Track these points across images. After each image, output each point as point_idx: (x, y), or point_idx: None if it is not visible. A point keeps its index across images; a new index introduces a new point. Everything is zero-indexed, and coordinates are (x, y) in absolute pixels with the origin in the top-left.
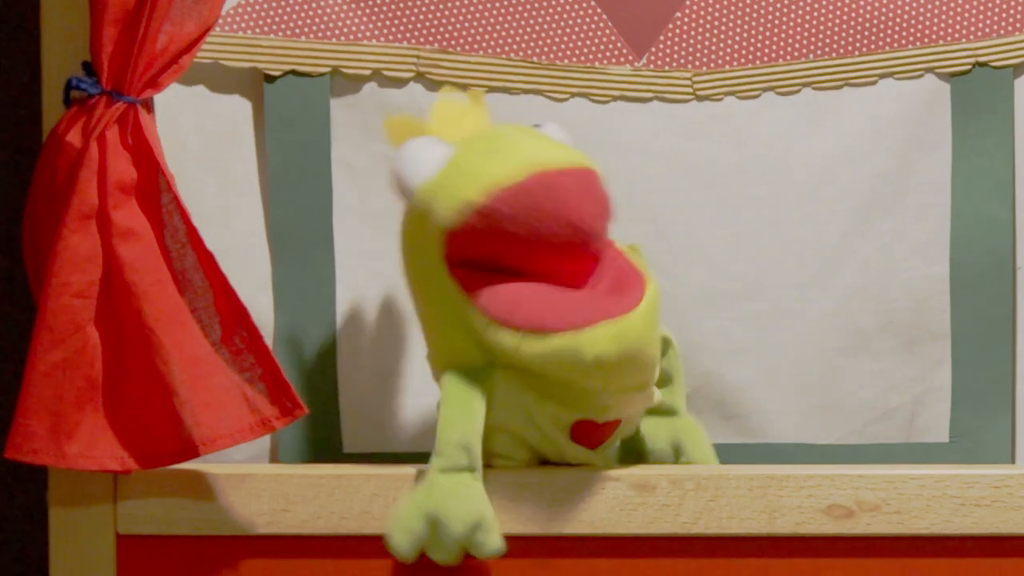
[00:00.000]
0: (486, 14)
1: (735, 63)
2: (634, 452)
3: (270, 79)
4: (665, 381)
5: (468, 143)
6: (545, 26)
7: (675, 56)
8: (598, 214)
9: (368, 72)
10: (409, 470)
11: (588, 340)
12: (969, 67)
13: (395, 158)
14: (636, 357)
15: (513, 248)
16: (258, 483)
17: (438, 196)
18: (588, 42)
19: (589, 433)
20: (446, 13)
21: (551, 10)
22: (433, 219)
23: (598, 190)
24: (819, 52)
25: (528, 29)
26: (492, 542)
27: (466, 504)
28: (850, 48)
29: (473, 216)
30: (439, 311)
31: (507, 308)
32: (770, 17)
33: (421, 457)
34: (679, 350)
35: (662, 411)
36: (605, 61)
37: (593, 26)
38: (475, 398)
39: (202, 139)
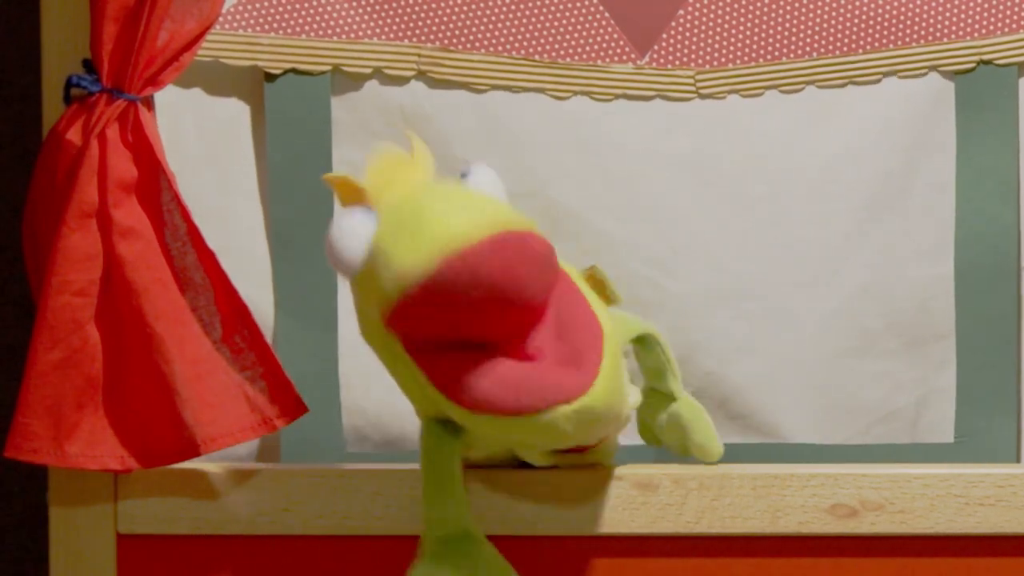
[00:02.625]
0: (488, 12)
1: (738, 61)
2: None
3: (270, 77)
4: (658, 373)
5: (385, 224)
6: (547, 24)
7: (678, 54)
8: (525, 278)
9: (369, 70)
10: (411, 469)
11: (545, 426)
12: (973, 65)
13: (328, 235)
14: (601, 424)
15: (448, 324)
16: (259, 482)
17: (365, 289)
18: (590, 40)
19: (577, 449)
20: (447, 11)
21: (553, 8)
22: (370, 303)
23: (522, 252)
24: (823, 50)
25: (530, 27)
26: None
27: (475, 565)
28: (854, 46)
29: (399, 310)
30: (398, 371)
31: (456, 386)
32: (773, 15)
33: None
34: (680, 350)
35: (663, 400)
36: (607, 59)
37: (595, 24)
38: (450, 459)
39: (202, 137)
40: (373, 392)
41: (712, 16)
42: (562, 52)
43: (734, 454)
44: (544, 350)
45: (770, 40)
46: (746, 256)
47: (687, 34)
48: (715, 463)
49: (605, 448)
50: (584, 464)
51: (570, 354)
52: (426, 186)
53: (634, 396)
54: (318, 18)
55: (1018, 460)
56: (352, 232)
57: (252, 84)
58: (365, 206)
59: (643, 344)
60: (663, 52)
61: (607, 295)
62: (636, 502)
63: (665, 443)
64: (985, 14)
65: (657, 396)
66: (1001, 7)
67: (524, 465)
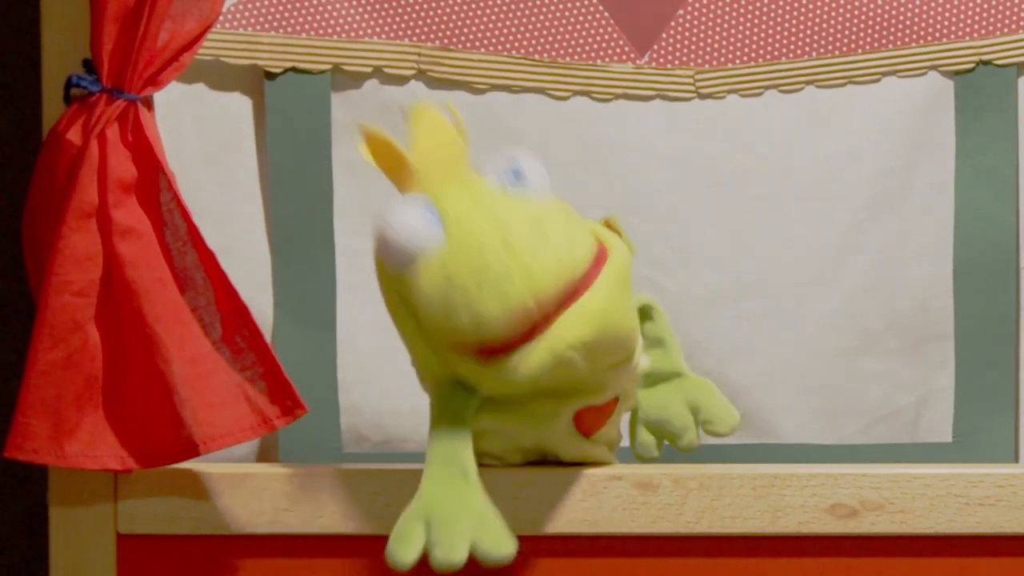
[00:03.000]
0: (488, 12)
1: (738, 61)
2: (649, 430)
3: (271, 76)
4: (657, 345)
5: (459, 250)
6: (547, 24)
7: (677, 54)
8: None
9: (369, 69)
10: (410, 469)
11: (558, 335)
12: (973, 65)
13: (383, 225)
14: (604, 335)
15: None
16: (259, 482)
17: (402, 286)
18: (590, 40)
19: (592, 417)
20: (447, 10)
21: (553, 8)
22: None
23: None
24: (822, 50)
25: (530, 27)
26: (495, 546)
27: (464, 504)
28: (853, 46)
29: (475, 350)
30: (418, 328)
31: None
32: (773, 15)
33: (422, 456)
34: (682, 347)
35: (665, 376)
36: (607, 59)
37: (595, 24)
38: (462, 408)
39: (202, 137)
40: (371, 392)
41: (711, 16)
42: (562, 52)
43: (735, 455)
44: None
45: (769, 40)
46: (746, 256)
47: (687, 34)
48: (734, 432)
49: (609, 437)
50: (584, 464)
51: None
52: (494, 201)
53: (644, 360)
54: (318, 17)
55: (1016, 460)
56: (413, 232)
57: (252, 83)
58: (423, 197)
59: (643, 315)
60: (663, 52)
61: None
62: (636, 502)
63: (668, 439)
64: (984, 14)
65: (662, 384)
66: (1001, 7)
67: (529, 465)
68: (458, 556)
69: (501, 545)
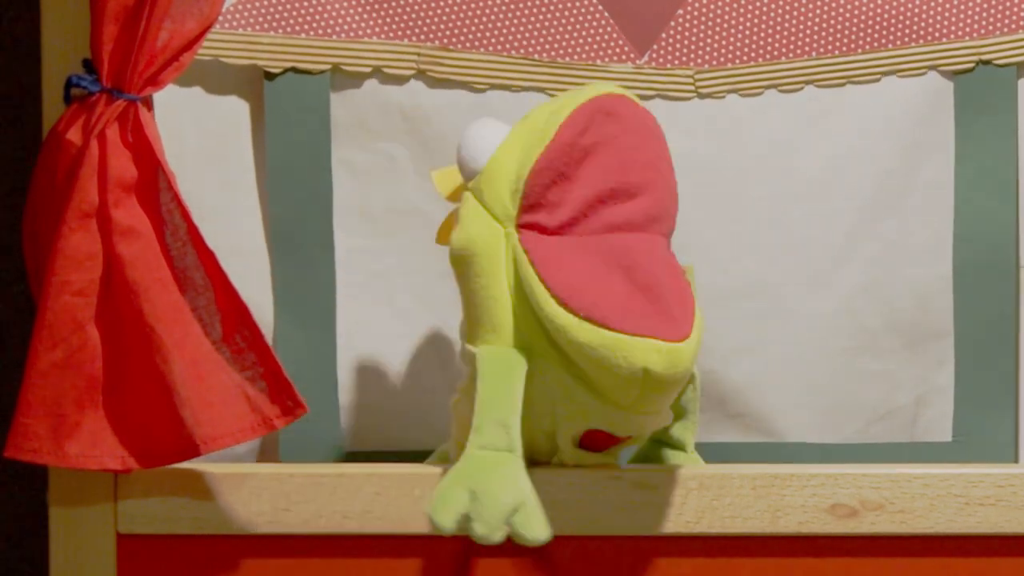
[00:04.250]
0: (487, 11)
1: (737, 61)
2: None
3: (270, 76)
4: (680, 414)
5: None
6: (546, 23)
7: (677, 54)
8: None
9: (369, 69)
10: (411, 469)
11: (641, 349)
12: (972, 65)
13: (463, 137)
14: (677, 382)
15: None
16: (259, 482)
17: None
18: (590, 39)
19: (599, 441)
20: (447, 10)
21: (552, 7)
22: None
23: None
24: (822, 50)
25: (529, 26)
26: (534, 528)
27: (509, 482)
28: (853, 46)
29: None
30: (494, 284)
31: (572, 289)
32: (773, 15)
33: (422, 456)
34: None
35: (672, 444)
36: (607, 59)
37: (595, 23)
38: (515, 376)
39: (202, 137)
40: (371, 392)
41: (711, 16)
42: (562, 52)
43: (734, 454)
44: (655, 290)
45: (769, 40)
46: (746, 255)
47: (686, 34)
48: None
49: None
50: (585, 464)
51: (677, 304)
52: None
53: (669, 414)
54: (317, 17)
55: (1016, 459)
56: (489, 134)
57: (252, 83)
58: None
59: None
60: (662, 52)
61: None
62: (636, 502)
63: None
64: (984, 14)
65: (665, 448)
66: (1000, 7)
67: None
68: (497, 535)
69: (538, 529)
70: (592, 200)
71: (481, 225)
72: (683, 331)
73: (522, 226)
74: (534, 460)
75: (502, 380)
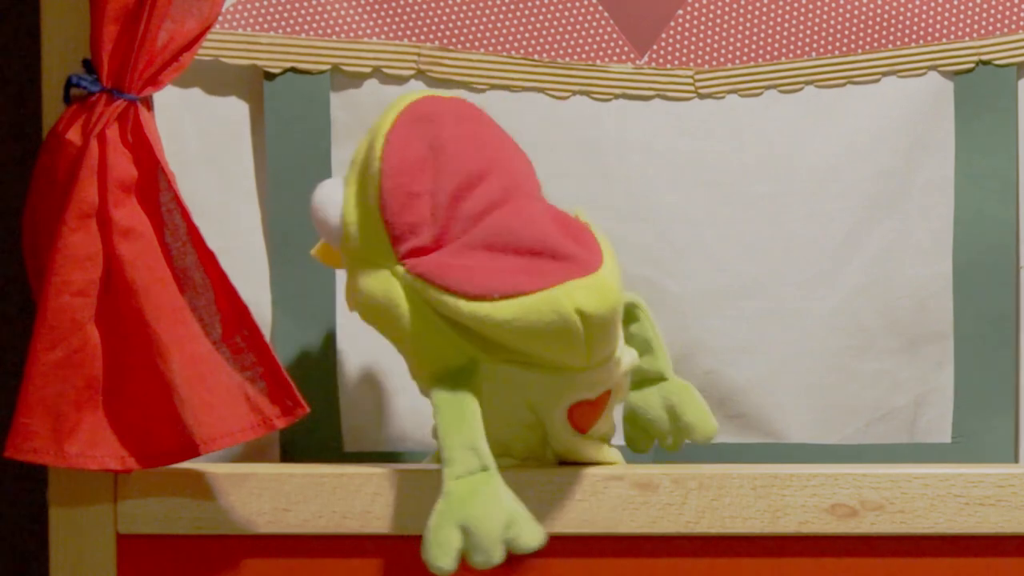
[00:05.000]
0: (487, 11)
1: (737, 61)
2: (638, 427)
3: (270, 77)
4: (644, 347)
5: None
6: (546, 24)
7: (677, 54)
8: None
9: (368, 70)
10: (411, 469)
11: (564, 294)
12: (972, 65)
13: (312, 208)
14: (613, 310)
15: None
16: (259, 482)
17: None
18: (589, 40)
19: (586, 412)
20: (447, 10)
21: (552, 8)
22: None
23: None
24: (822, 50)
25: (529, 27)
26: (528, 536)
27: (492, 503)
28: (853, 46)
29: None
30: (409, 323)
31: (475, 281)
32: (773, 15)
33: (422, 456)
34: (679, 349)
35: (650, 379)
36: (606, 59)
37: (594, 24)
38: (467, 399)
39: (201, 137)
40: (371, 392)
41: (711, 16)
42: (562, 52)
43: (734, 454)
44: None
45: (769, 40)
46: (746, 256)
47: (686, 34)
48: (710, 441)
49: (602, 431)
50: (585, 464)
51: (569, 246)
52: None
53: (630, 355)
54: (317, 17)
55: (1016, 460)
56: (334, 194)
57: (252, 83)
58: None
59: (630, 314)
60: (662, 52)
61: None
62: (636, 502)
63: (657, 437)
64: (984, 14)
65: (646, 385)
66: (1000, 7)
67: (529, 466)
68: (497, 557)
69: (533, 537)
70: (447, 204)
71: (369, 279)
72: (594, 263)
73: (402, 258)
74: (531, 456)
75: (456, 410)
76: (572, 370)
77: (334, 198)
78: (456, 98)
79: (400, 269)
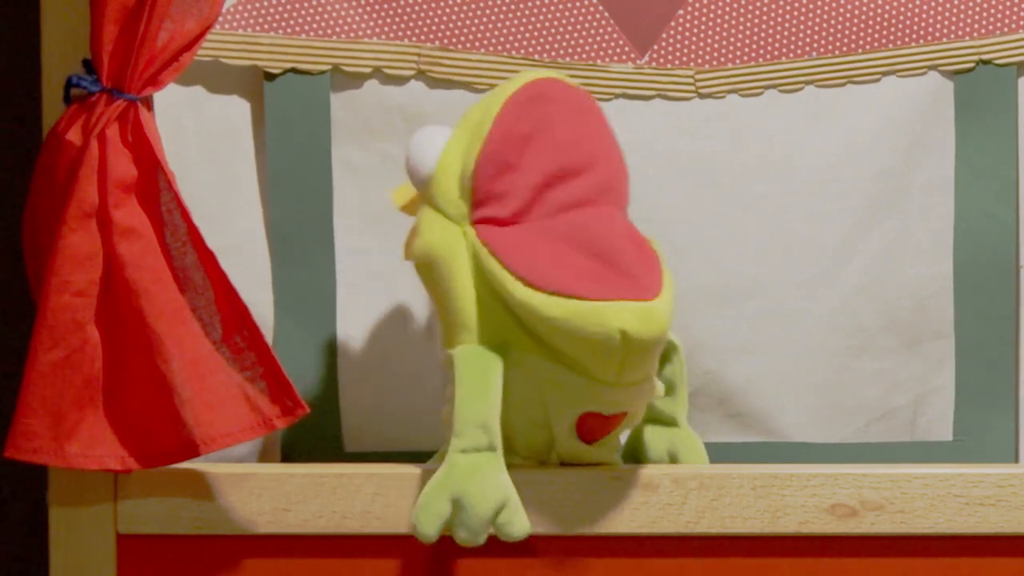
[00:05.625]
0: (487, 12)
1: (738, 61)
2: (634, 458)
3: (270, 77)
4: (669, 389)
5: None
6: (547, 24)
7: (677, 54)
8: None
9: (369, 70)
10: (411, 469)
11: (614, 312)
12: (973, 65)
13: (408, 147)
14: (656, 342)
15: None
16: (259, 482)
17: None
18: (590, 40)
19: (595, 426)
20: (447, 10)
21: (553, 8)
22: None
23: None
24: (822, 50)
25: (530, 27)
26: (518, 524)
27: (490, 484)
28: (853, 46)
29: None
30: (460, 285)
31: (536, 269)
32: (773, 15)
33: (422, 456)
34: (682, 347)
35: (663, 420)
36: (607, 59)
37: (595, 24)
38: (492, 376)
39: (202, 137)
40: (371, 392)
41: (711, 16)
42: (562, 52)
43: (734, 454)
44: (615, 254)
45: (769, 40)
46: (746, 255)
47: (686, 34)
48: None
49: (610, 444)
50: (585, 464)
51: (639, 265)
52: None
53: (657, 388)
54: (318, 18)
55: (1016, 459)
56: (434, 139)
57: (252, 83)
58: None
59: (665, 354)
60: (663, 52)
61: None
62: (636, 502)
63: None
64: (984, 14)
65: (656, 425)
66: (1000, 7)
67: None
68: (481, 539)
69: (520, 527)
70: (539, 185)
71: (438, 230)
72: (652, 291)
73: (477, 222)
74: (533, 457)
75: (478, 379)
76: (598, 382)
77: (436, 141)
78: (583, 90)
79: (471, 231)
